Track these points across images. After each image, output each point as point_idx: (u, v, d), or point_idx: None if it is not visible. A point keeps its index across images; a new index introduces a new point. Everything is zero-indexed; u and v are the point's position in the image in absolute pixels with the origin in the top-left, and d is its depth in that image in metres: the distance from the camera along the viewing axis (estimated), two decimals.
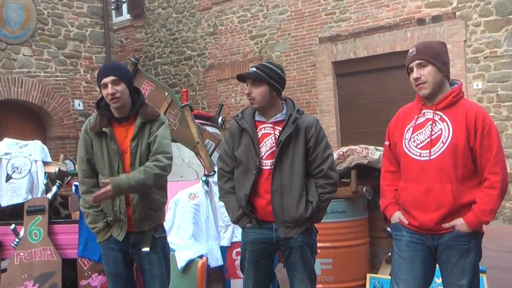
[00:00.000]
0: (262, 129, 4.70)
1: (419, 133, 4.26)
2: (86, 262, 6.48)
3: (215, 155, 6.36)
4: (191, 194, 6.48)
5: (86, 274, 6.50)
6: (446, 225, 4.14)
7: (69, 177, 7.76)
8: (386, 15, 14.06)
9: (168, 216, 6.10)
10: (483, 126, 4.07)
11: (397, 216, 4.41)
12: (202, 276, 5.91)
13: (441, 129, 4.17)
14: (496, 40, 12.46)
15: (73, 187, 6.70)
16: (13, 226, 6.74)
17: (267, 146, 4.64)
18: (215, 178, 5.32)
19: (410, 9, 13.68)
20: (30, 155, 7.46)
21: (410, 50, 4.34)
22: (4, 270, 6.75)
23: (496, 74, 12.47)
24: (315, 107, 15.40)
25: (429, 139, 4.19)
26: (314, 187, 4.63)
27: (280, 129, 4.62)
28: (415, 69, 4.24)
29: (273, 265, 5.06)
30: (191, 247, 6.12)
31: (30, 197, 7.11)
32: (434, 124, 4.21)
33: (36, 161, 7.46)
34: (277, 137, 4.61)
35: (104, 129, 4.69)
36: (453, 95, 4.21)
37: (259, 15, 16.53)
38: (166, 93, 6.92)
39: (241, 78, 4.77)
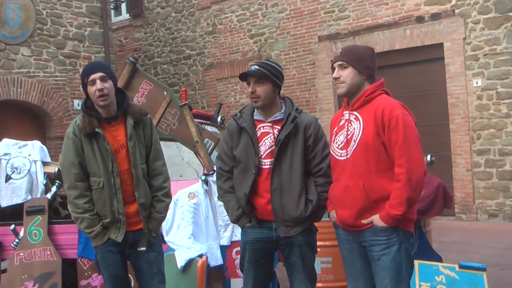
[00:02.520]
0: (261, 128, 4.70)
1: (340, 134, 4.45)
2: (86, 262, 6.48)
3: (215, 154, 6.36)
4: (190, 193, 6.48)
5: (86, 274, 6.49)
6: (364, 221, 4.26)
7: None
8: (385, 13, 14.05)
9: (168, 215, 6.08)
10: (389, 120, 4.16)
11: (332, 215, 4.57)
12: (202, 276, 5.91)
13: (354, 128, 4.33)
14: (495, 37, 12.44)
15: None
16: (12, 226, 6.73)
17: (266, 145, 4.64)
18: (214, 177, 5.31)
19: (409, 7, 13.66)
20: (30, 155, 7.45)
21: (337, 51, 4.55)
22: (4, 271, 6.73)
23: (496, 71, 12.45)
24: (315, 105, 15.40)
25: (345, 139, 4.37)
26: (313, 186, 4.65)
27: (279, 128, 4.63)
28: (336, 69, 4.45)
29: (272, 264, 5.06)
30: (191, 246, 6.12)
31: (29, 197, 7.11)
32: (349, 124, 4.38)
33: (35, 161, 7.45)
34: (276, 136, 4.61)
35: (97, 129, 4.65)
36: (366, 94, 4.36)
37: (258, 14, 16.52)
38: (165, 93, 6.92)
39: (244, 76, 4.74)
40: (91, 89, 4.62)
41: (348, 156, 4.30)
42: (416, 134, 4.23)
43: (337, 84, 4.43)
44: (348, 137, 4.33)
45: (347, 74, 4.36)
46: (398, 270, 4.21)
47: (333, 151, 4.48)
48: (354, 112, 4.38)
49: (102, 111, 4.72)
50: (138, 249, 4.77)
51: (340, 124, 4.47)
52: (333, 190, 4.49)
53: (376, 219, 4.19)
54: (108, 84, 4.63)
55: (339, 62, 4.42)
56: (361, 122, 4.28)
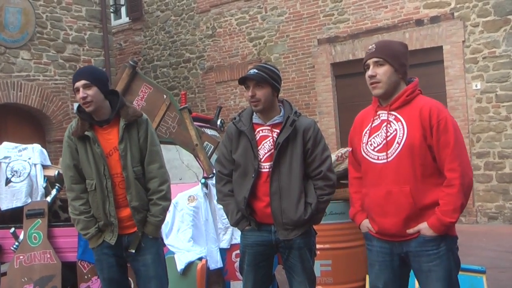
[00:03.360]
0: (260, 131, 4.69)
1: (376, 136, 4.15)
2: (85, 265, 6.49)
3: (214, 157, 6.36)
4: (190, 196, 6.49)
5: (86, 277, 6.50)
6: (411, 230, 4.01)
7: None
8: (384, 16, 14.07)
9: (168, 218, 6.10)
10: (438, 122, 3.93)
11: (365, 225, 4.32)
12: (202, 278, 5.92)
13: (396, 129, 4.05)
14: (494, 40, 12.46)
15: None
16: (12, 229, 6.74)
17: (265, 148, 4.63)
18: (214, 180, 5.31)
19: (408, 10, 13.68)
20: (29, 158, 7.47)
21: (370, 47, 4.21)
22: (4, 274, 6.75)
23: (495, 74, 12.47)
24: (314, 108, 15.41)
25: (385, 141, 4.08)
26: (312, 189, 4.62)
27: (278, 131, 4.61)
28: (371, 67, 4.13)
29: (272, 267, 5.05)
30: (191, 249, 6.13)
31: (29, 200, 7.12)
32: (388, 125, 4.09)
33: (35, 164, 7.47)
34: (275, 139, 4.60)
35: (86, 133, 4.69)
36: (406, 93, 4.09)
37: (257, 17, 16.53)
38: (165, 96, 6.92)
39: (243, 80, 4.72)
40: (77, 96, 4.71)
41: (389, 160, 4.02)
42: (463, 137, 4.06)
43: (373, 83, 4.12)
44: (389, 139, 4.05)
45: (384, 72, 4.07)
46: (449, 277, 4.01)
47: (365, 154, 4.19)
48: (393, 113, 4.10)
49: (94, 115, 4.76)
50: (128, 251, 4.78)
51: (374, 124, 4.18)
52: (369, 197, 4.19)
53: (425, 228, 3.95)
54: (92, 91, 4.65)
55: (374, 59, 4.10)
56: (404, 124, 4.01)
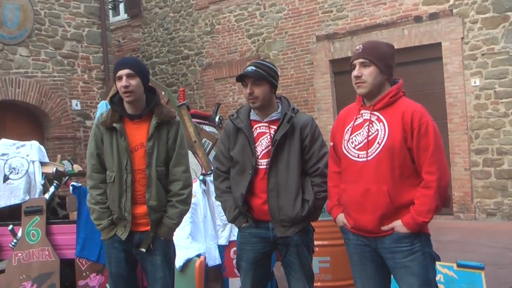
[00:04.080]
0: (258, 128, 4.70)
1: (357, 134, 4.22)
2: (84, 262, 6.49)
3: (213, 154, 6.35)
4: None
5: (84, 274, 6.50)
6: (385, 227, 4.10)
7: (67, 178, 7.78)
8: (383, 13, 14.04)
9: None
10: (420, 125, 4.01)
11: (340, 219, 4.40)
12: (200, 275, 5.90)
13: (377, 129, 4.12)
14: (493, 37, 12.44)
15: (71, 188, 6.68)
16: (10, 227, 6.75)
17: (262, 145, 4.64)
18: (212, 177, 5.31)
19: (407, 6, 13.66)
20: (28, 155, 7.47)
21: (357, 47, 4.28)
22: (2, 271, 6.74)
23: (494, 71, 12.45)
24: (313, 105, 15.39)
25: (366, 140, 4.15)
26: (310, 186, 4.63)
27: (276, 128, 4.62)
28: (357, 67, 4.19)
29: (270, 264, 5.05)
30: (189, 246, 6.11)
31: (27, 197, 7.12)
32: (370, 125, 4.16)
33: (33, 161, 7.47)
34: (272, 136, 4.60)
35: (114, 124, 4.68)
36: (390, 95, 4.16)
37: (256, 14, 16.51)
38: (163, 93, 6.92)
39: (240, 77, 4.71)
40: (118, 84, 4.68)
41: (369, 158, 4.10)
42: (442, 141, 4.15)
43: (358, 83, 4.18)
44: (370, 138, 4.13)
45: (369, 73, 4.13)
46: (426, 274, 4.09)
47: (346, 151, 4.26)
48: (376, 113, 4.17)
49: (127, 107, 4.76)
50: (139, 249, 4.75)
51: (357, 123, 4.25)
52: (347, 193, 4.27)
53: (399, 226, 4.05)
54: (135, 82, 4.65)
55: (360, 60, 4.18)
56: (386, 125, 4.09)
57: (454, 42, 12.92)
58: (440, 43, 13.13)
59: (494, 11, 12.39)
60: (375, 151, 4.09)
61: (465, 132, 12.76)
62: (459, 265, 5.85)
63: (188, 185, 4.85)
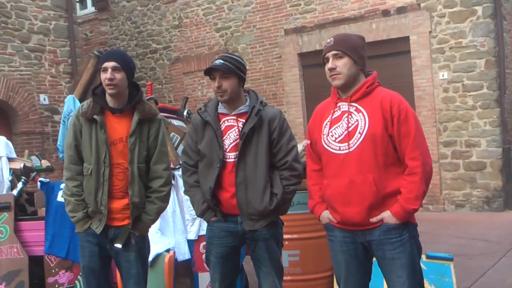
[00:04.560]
0: (226, 121, 4.68)
1: (337, 127, 4.21)
2: (53, 259, 6.44)
3: (181, 148, 6.34)
4: None
5: (53, 271, 6.45)
6: (374, 219, 4.08)
7: (35, 173, 7.71)
8: (351, 7, 14.12)
9: None
10: (399, 112, 4.03)
11: (325, 216, 4.38)
12: (170, 270, 5.90)
13: (357, 120, 4.12)
14: (461, 30, 12.57)
15: (39, 183, 6.62)
16: None
17: (230, 138, 4.62)
18: (180, 171, 5.30)
19: (375, 0, 13.75)
20: None
21: (328, 41, 4.29)
22: None
23: (462, 64, 12.60)
24: (282, 98, 15.45)
25: (346, 132, 4.14)
26: (278, 179, 4.63)
27: (243, 121, 4.61)
28: (330, 59, 4.19)
29: (239, 258, 5.06)
30: (158, 241, 6.10)
31: None
32: (350, 116, 4.16)
33: (0, 157, 7.39)
34: (240, 129, 4.60)
35: (95, 116, 4.64)
36: (366, 85, 4.18)
37: (224, 8, 16.51)
38: None
39: (208, 71, 4.69)
40: (102, 76, 4.64)
41: (351, 150, 4.09)
42: (422, 127, 4.17)
43: (333, 75, 4.17)
44: (350, 129, 4.11)
45: (344, 64, 4.13)
46: (413, 264, 4.10)
47: (326, 145, 4.24)
48: (354, 104, 4.17)
49: (109, 100, 4.72)
50: (114, 245, 4.70)
51: (335, 116, 4.24)
52: (331, 187, 4.23)
53: (389, 216, 4.04)
54: (120, 75, 4.62)
55: (333, 52, 4.17)
56: (365, 114, 4.10)
57: (422, 36, 13.04)
58: (408, 37, 13.25)
59: (462, 5, 12.52)
60: (357, 141, 4.08)
61: (434, 124, 12.90)
62: (428, 257, 5.90)
63: (168, 182, 4.84)
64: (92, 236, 4.73)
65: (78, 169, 4.74)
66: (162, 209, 4.89)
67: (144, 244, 4.90)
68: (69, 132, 4.80)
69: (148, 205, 4.74)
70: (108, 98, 4.72)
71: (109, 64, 4.61)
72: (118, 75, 4.61)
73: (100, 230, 4.68)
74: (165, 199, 4.85)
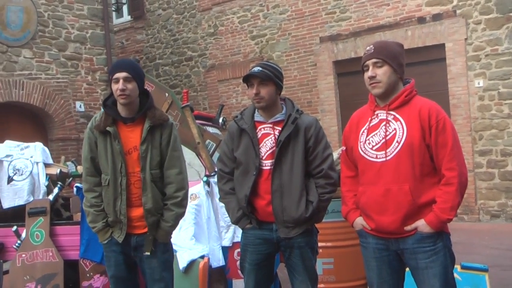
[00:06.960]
0: (262, 129, 4.70)
1: (374, 135, 4.22)
2: (88, 263, 6.48)
3: (216, 155, 6.35)
4: (192, 194, 6.46)
5: (88, 275, 6.49)
6: (408, 227, 4.09)
7: (71, 179, 7.78)
8: (386, 14, 14.05)
9: None
10: (437, 122, 4.02)
11: (359, 222, 4.38)
12: (204, 277, 5.91)
13: (395, 128, 4.13)
14: (497, 37, 12.44)
15: (75, 189, 6.67)
16: (15, 228, 6.74)
17: (267, 146, 4.64)
18: (216, 178, 5.31)
19: (410, 7, 13.67)
20: (32, 157, 7.47)
21: (368, 48, 4.28)
22: (6, 272, 6.75)
23: (497, 71, 12.46)
24: (316, 106, 15.39)
25: (384, 140, 4.15)
26: (314, 187, 4.62)
27: (280, 129, 4.62)
28: (370, 68, 4.19)
29: (273, 265, 5.05)
30: (193, 247, 6.12)
31: (31, 199, 7.13)
32: (388, 125, 4.17)
33: (37, 163, 7.47)
34: (276, 137, 4.61)
35: (108, 128, 4.69)
36: (405, 94, 4.17)
37: (259, 15, 16.52)
38: (167, 94, 6.92)
39: (246, 78, 4.71)
40: (114, 87, 4.68)
41: (388, 158, 4.10)
42: (459, 138, 4.17)
43: (373, 83, 4.17)
44: (388, 138, 4.12)
45: (384, 73, 4.14)
46: (446, 273, 4.09)
47: (363, 152, 4.25)
48: (392, 112, 4.17)
49: (121, 110, 4.76)
50: (144, 254, 4.76)
51: (372, 123, 4.25)
52: (367, 195, 4.25)
53: (423, 225, 4.05)
54: (131, 85, 4.66)
55: (373, 60, 4.17)
56: (403, 123, 4.10)
57: (457, 43, 12.92)
58: (443, 44, 13.13)
59: (498, 11, 12.39)
60: (394, 150, 4.09)
61: (469, 133, 12.76)
62: (463, 267, 5.84)
63: (182, 187, 4.83)
64: (116, 245, 4.80)
65: (95, 180, 4.82)
66: (180, 214, 4.87)
67: (167, 250, 4.92)
68: (85, 145, 4.86)
69: (165, 212, 4.77)
70: (119, 107, 4.77)
71: (121, 75, 4.65)
72: (130, 85, 4.65)
73: (122, 238, 4.74)
74: (181, 205, 4.83)
